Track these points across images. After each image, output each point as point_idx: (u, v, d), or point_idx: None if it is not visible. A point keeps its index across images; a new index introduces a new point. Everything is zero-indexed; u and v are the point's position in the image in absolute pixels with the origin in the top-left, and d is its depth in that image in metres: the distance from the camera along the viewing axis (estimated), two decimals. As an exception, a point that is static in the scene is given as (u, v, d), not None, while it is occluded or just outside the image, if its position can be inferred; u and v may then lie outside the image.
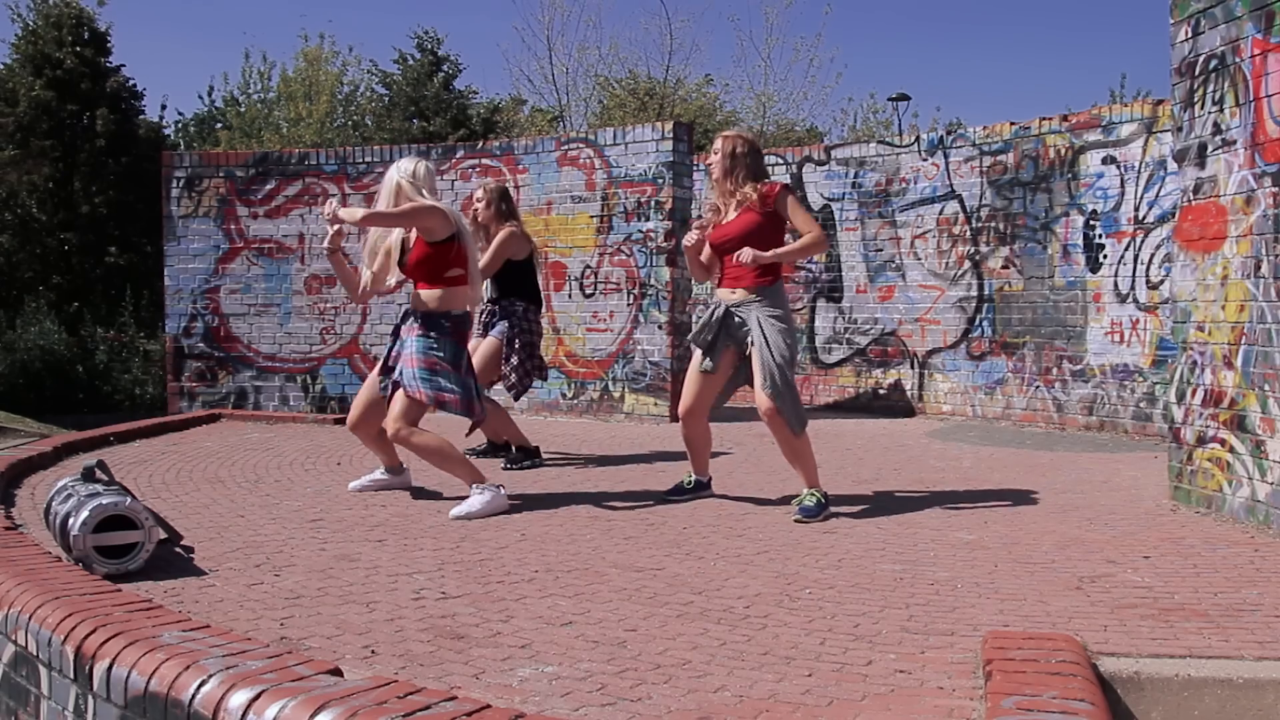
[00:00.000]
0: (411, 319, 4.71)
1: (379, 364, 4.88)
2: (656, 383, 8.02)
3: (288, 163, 9.26)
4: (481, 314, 5.96)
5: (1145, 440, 6.80)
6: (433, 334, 4.62)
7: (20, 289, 17.57)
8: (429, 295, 4.68)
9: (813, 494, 4.49)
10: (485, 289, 5.89)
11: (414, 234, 4.73)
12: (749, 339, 4.50)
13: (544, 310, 6.31)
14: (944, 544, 3.97)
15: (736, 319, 4.54)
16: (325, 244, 4.90)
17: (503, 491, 4.66)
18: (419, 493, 5.03)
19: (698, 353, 4.67)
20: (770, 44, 32.48)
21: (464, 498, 4.68)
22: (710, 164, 4.70)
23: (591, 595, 3.28)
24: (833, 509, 4.55)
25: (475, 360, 5.69)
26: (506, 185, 6.33)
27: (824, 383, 8.95)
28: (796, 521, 4.37)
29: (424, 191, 4.65)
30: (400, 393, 4.59)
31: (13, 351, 15.34)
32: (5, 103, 18.28)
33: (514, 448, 5.91)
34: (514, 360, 5.80)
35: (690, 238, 4.65)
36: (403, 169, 4.69)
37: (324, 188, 9.03)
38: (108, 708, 2.50)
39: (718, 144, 4.67)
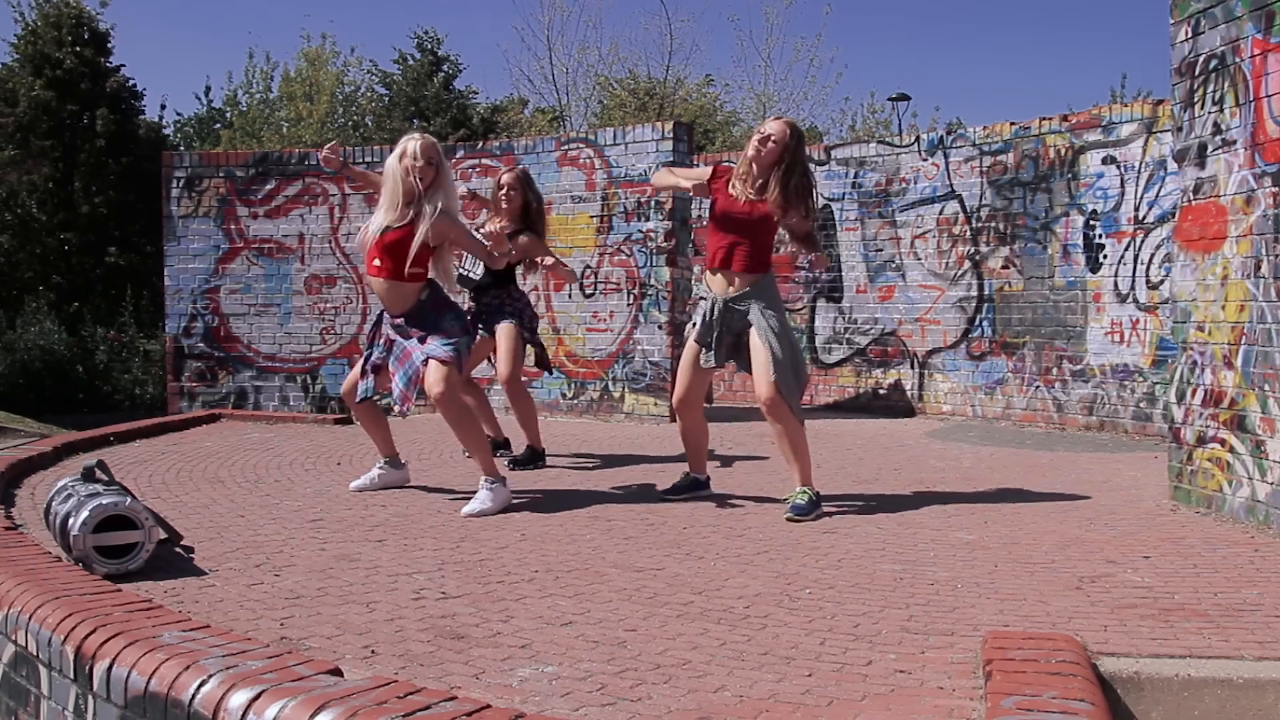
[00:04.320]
0: (393, 327, 4.70)
1: (362, 363, 4.87)
2: (656, 383, 8.01)
3: (288, 163, 9.27)
4: (475, 309, 5.86)
5: (1145, 440, 6.80)
6: (429, 319, 4.63)
7: (20, 289, 17.58)
8: (383, 286, 4.65)
9: (804, 492, 4.48)
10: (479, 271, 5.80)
11: (405, 220, 4.61)
12: (748, 330, 4.50)
13: (536, 302, 6.23)
14: (944, 544, 3.97)
15: (734, 312, 4.54)
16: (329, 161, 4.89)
17: (507, 485, 4.68)
18: (419, 492, 5.03)
19: (691, 345, 4.67)
20: (770, 44, 32.64)
21: (467, 495, 4.69)
22: (765, 144, 4.45)
23: (591, 595, 3.28)
24: (831, 508, 4.56)
25: (502, 350, 5.64)
26: (528, 170, 6.17)
27: (824, 383, 8.94)
28: (789, 520, 4.37)
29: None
30: (433, 362, 4.56)
31: (13, 351, 15.36)
32: (5, 103, 18.29)
33: (526, 446, 5.89)
34: (529, 329, 5.80)
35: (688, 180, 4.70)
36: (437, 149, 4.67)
37: (324, 188, 9.04)
38: (108, 708, 2.50)
39: (781, 131, 4.48)
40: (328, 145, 4.99)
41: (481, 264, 5.64)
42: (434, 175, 4.60)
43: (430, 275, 4.72)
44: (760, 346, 4.45)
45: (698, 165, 8.82)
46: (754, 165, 4.51)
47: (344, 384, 5.09)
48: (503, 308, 5.75)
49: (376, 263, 4.65)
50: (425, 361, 4.58)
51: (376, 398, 4.94)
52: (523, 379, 5.86)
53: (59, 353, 15.63)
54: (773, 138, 4.47)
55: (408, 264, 4.59)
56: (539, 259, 5.53)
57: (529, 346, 5.86)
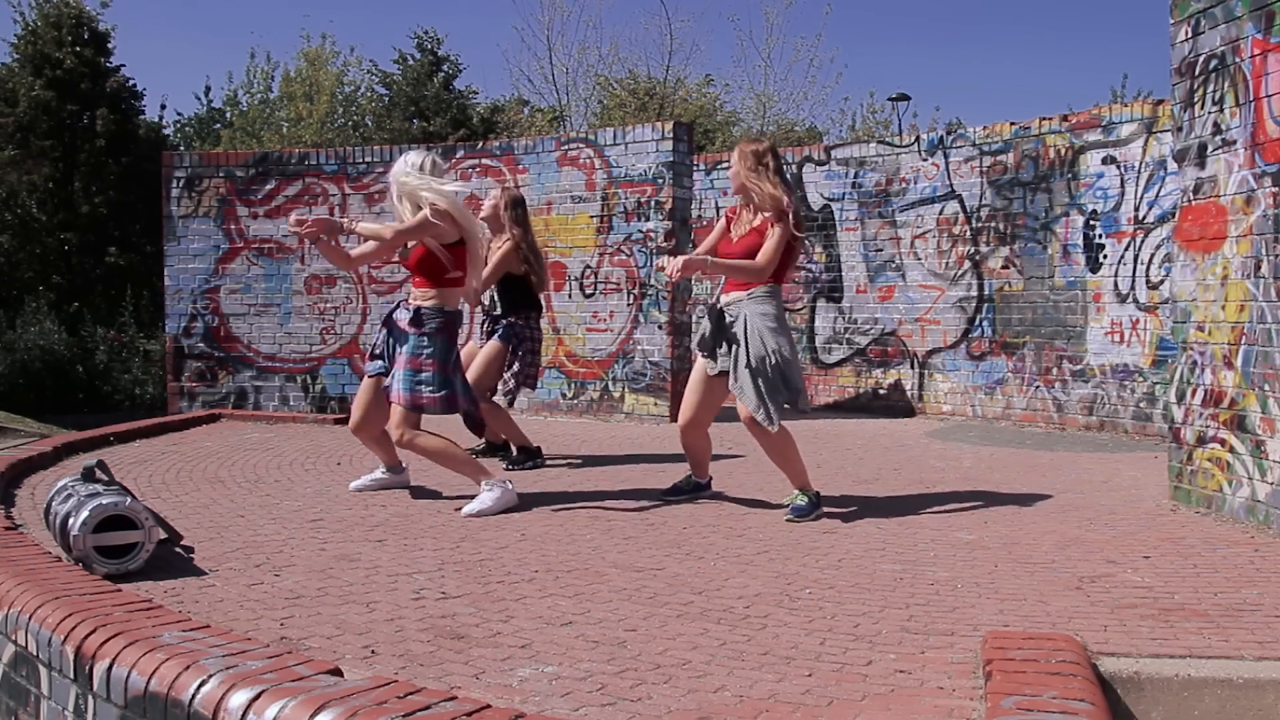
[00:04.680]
0: (405, 312, 4.71)
1: (369, 352, 4.90)
2: (656, 383, 8.01)
3: (288, 163, 9.27)
4: (483, 323, 6.01)
5: (1145, 440, 6.80)
6: (424, 331, 4.63)
7: (20, 289, 17.57)
8: (425, 293, 4.70)
9: (803, 494, 4.49)
10: (487, 296, 5.90)
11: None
12: (735, 336, 4.50)
13: (544, 311, 6.32)
14: (944, 544, 3.97)
15: (729, 317, 4.54)
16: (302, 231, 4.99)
17: (510, 486, 4.67)
18: (419, 492, 5.03)
19: (700, 361, 4.65)
20: (770, 44, 32.59)
21: (467, 496, 4.69)
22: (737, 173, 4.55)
23: (591, 595, 3.28)
24: (832, 508, 4.57)
25: (477, 363, 5.71)
26: (522, 195, 6.22)
27: (824, 383, 8.95)
28: (789, 521, 4.37)
29: (434, 184, 4.63)
30: (394, 405, 4.63)
31: (13, 351, 15.35)
32: (5, 103, 18.27)
33: (515, 448, 5.92)
34: (515, 367, 5.81)
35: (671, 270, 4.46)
36: (410, 162, 4.68)
37: (324, 188, 9.04)
38: (108, 708, 2.50)
39: (733, 156, 4.60)
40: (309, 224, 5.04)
41: (493, 290, 5.83)
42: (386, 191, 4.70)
43: (461, 300, 4.77)
44: (744, 369, 4.41)
45: (697, 167, 8.87)
46: (739, 194, 4.58)
47: (351, 423, 5.06)
48: (506, 328, 5.84)
49: (417, 279, 4.75)
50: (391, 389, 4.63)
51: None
52: (488, 394, 5.90)
53: (59, 353, 15.62)
54: (729, 164, 4.63)
55: (440, 270, 4.66)
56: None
57: (518, 370, 5.87)
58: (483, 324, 6.02)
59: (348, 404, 6.11)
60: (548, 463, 5.96)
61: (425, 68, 22.12)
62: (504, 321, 5.85)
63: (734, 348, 4.46)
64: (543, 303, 6.17)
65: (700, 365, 4.65)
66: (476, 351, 5.88)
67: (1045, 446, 6.69)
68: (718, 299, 4.61)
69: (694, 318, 8.42)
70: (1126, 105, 7.41)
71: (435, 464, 4.84)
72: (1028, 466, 5.89)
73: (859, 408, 8.64)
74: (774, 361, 4.38)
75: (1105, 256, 7.25)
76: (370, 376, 4.87)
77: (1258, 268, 4.21)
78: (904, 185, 8.43)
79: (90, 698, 2.56)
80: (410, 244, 4.70)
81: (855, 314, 8.77)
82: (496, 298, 5.93)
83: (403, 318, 4.71)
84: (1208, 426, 4.52)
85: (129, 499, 3.58)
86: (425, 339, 4.61)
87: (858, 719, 2.31)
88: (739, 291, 4.51)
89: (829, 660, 2.69)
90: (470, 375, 5.71)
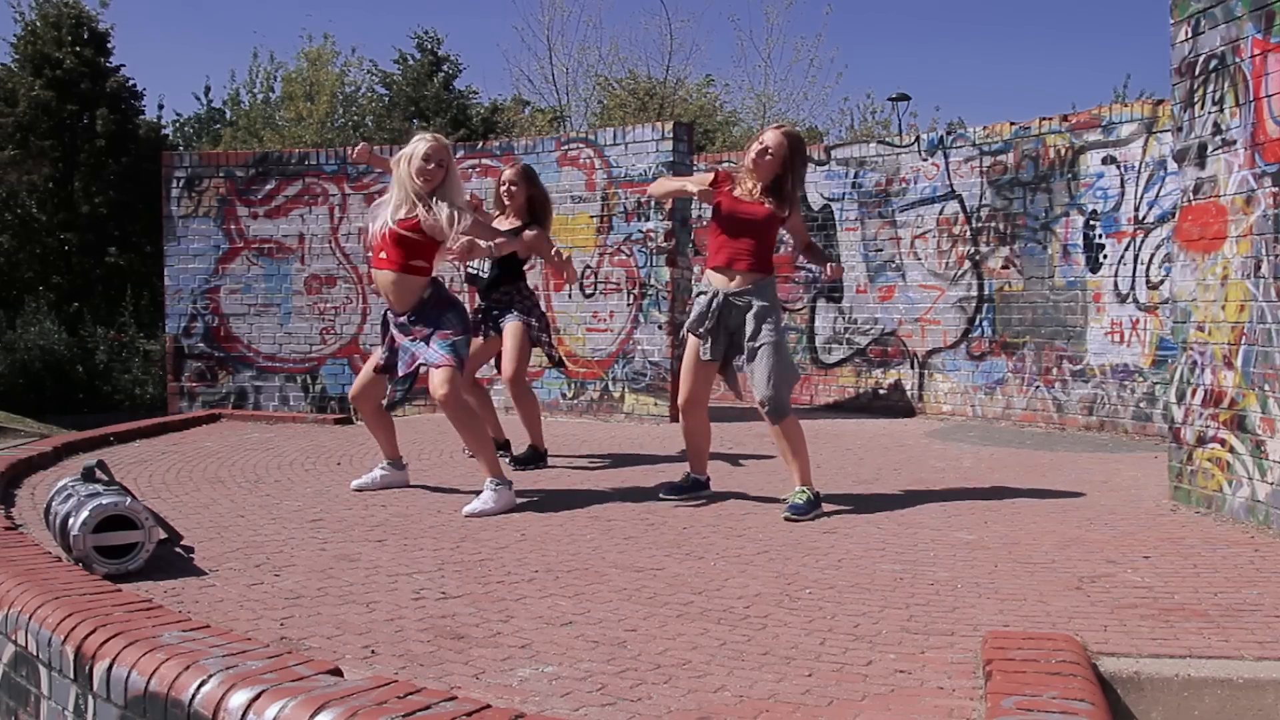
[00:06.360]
0: (399, 327, 4.72)
1: (379, 355, 4.89)
2: (656, 383, 8.01)
3: (288, 163, 9.27)
4: (478, 310, 5.86)
5: (1145, 440, 6.80)
6: (431, 316, 4.65)
7: (20, 289, 17.60)
8: (389, 279, 4.66)
9: (803, 491, 4.49)
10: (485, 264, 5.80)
11: (406, 210, 4.65)
12: (743, 328, 4.52)
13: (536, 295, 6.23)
14: (944, 544, 3.97)
15: (734, 307, 4.54)
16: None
17: (513, 488, 4.68)
18: (419, 492, 5.03)
19: (693, 343, 4.67)
20: (770, 44, 32.63)
21: (467, 496, 4.69)
22: (763, 156, 4.53)
23: (591, 595, 3.28)
24: (832, 508, 4.56)
25: (508, 348, 5.63)
26: (532, 167, 6.13)
27: (824, 383, 8.94)
28: (787, 519, 4.37)
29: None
30: (436, 365, 4.59)
31: (13, 351, 15.38)
32: (5, 103, 18.30)
33: (528, 445, 5.89)
34: (537, 326, 5.75)
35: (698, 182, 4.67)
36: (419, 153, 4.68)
37: (324, 188, 9.04)
38: (108, 708, 2.50)
39: (778, 144, 4.54)
40: (358, 150, 5.11)
41: (489, 260, 5.64)
42: (442, 176, 4.64)
43: (434, 273, 4.76)
44: (761, 355, 4.46)
45: (697, 167, 8.85)
46: (753, 175, 4.59)
47: (352, 389, 5.14)
48: (511, 305, 5.73)
49: (383, 255, 4.69)
50: (428, 367, 4.61)
51: (384, 401, 5.02)
52: (526, 378, 5.86)
53: (59, 353, 15.65)
54: (770, 151, 4.55)
55: (410, 254, 4.63)
56: (545, 254, 5.48)
57: (536, 346, 5.84)
58: (477, 311, 5.81)
59: (348, 404, 6.11)
60: (548, 463, 5.95)
61: (425, 68, 22.16)
62: (502, 298, 5.73)
63: (746, 338, 4.50)
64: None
65: (693, 347, 4.67)
66: (494, 342, 5.78)
67: (1045, 446, 6.69)
68: (716, 289, 4.59)
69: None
70: (1126, 105, 7.40)
71: (460, 434, 4.81)
72: (1028, 466, 5.88)
73: (859, 408, 8.64)
74: (783, 348, 4.48)
75: (1105, 256, 7.25)
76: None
77: (1258, 268, 4.21)
78: (904, 185, 8.43)
79: (90, 698, 2.56)
80: (401, 217, 4.65)
81: (855, 314, 8.77)
82: (487, 268, 5.73)
83: (405, 331, 4.70)
84: (1208, 426, 4.52)
85: (129, 499, 3.58)
86: (437, 313, 4.64)
87: (858, 719, 2.31)
88: (746, 284, 4.52)
89: (829, 660, 2.69)
90: (506, 364, 5.67)
